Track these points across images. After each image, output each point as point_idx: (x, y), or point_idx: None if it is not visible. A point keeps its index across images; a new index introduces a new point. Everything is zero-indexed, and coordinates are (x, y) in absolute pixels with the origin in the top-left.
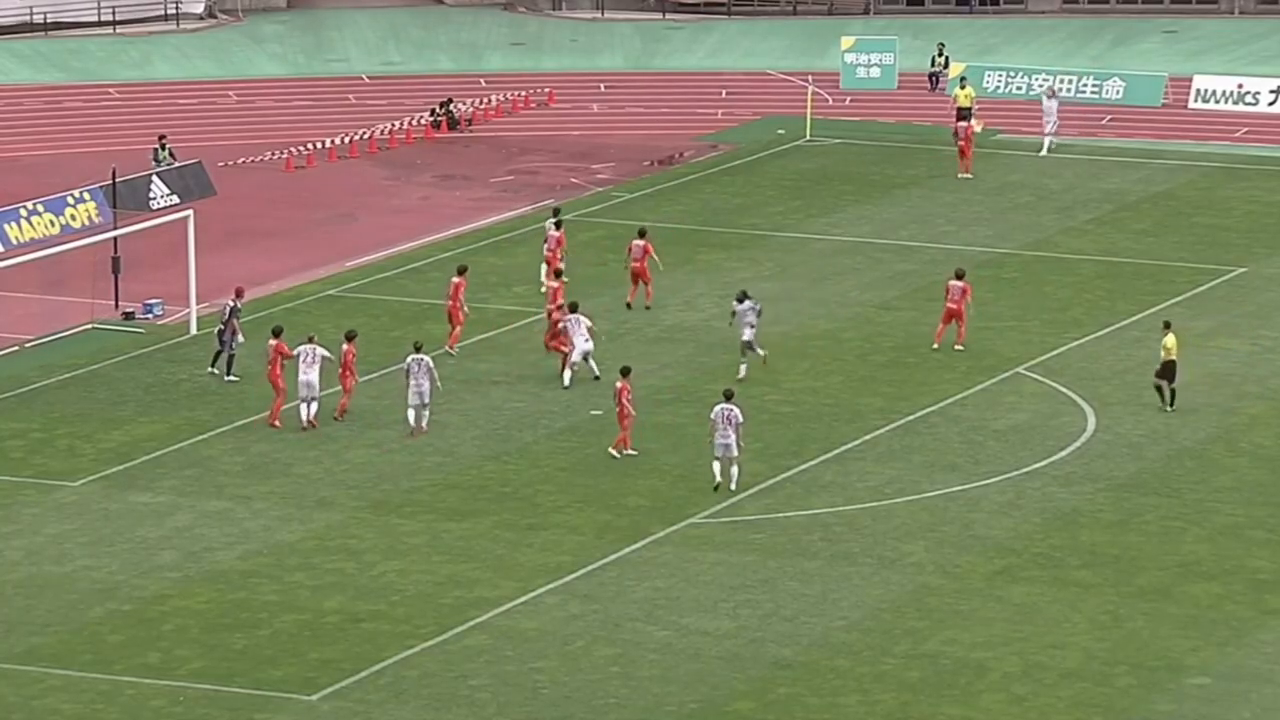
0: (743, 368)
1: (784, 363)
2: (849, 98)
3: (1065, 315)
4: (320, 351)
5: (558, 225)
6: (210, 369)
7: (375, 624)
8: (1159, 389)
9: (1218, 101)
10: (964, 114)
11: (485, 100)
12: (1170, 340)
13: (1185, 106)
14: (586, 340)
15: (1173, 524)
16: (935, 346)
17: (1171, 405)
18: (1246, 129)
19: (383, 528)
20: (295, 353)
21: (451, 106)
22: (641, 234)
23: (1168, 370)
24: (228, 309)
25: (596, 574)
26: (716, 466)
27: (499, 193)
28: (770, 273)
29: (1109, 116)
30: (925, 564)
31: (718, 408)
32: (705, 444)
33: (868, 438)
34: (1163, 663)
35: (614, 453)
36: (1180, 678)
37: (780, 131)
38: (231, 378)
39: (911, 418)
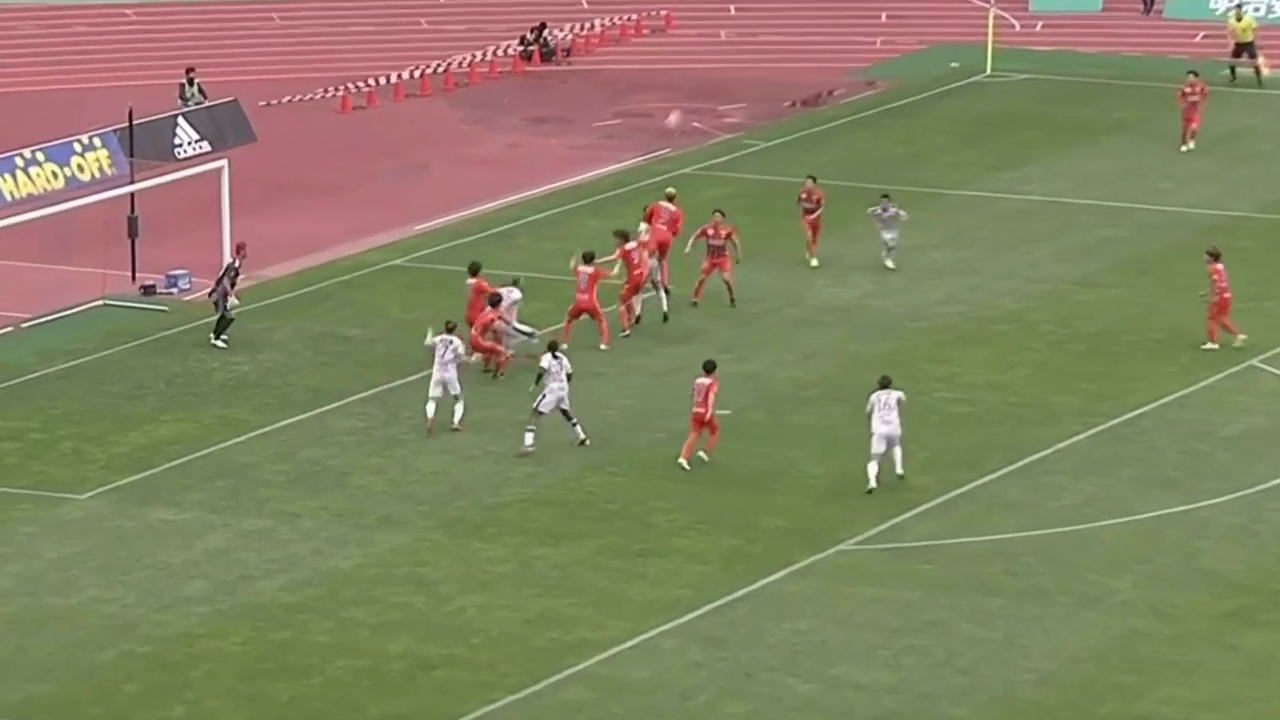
0: None
1: (959, 352)
2: (1040, 22)
3: None
4: (457, 345)
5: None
6: (213, 340)
7: (450, 671)
8: None
9: None
10: (1244, 50)
11: (587, 25)
12: None
13: None
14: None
15: None
16: (1209, 346)
17: None
18: None
19: (460, 553)
20: (431, 343)
21: (546, 33)
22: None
23: None
24: (224, 267)
25: (724, 612)
26: (873, 468)
27: (603, 139)
28: (941, 240)
29: None
30: (1136, 603)
31: (875, 394)
32: (864, 435)
33: (1063, 445)
34: None
35: (684, 462)
36: None
37: (954, 65)
38: (217, 342)
39: (1118, 421)
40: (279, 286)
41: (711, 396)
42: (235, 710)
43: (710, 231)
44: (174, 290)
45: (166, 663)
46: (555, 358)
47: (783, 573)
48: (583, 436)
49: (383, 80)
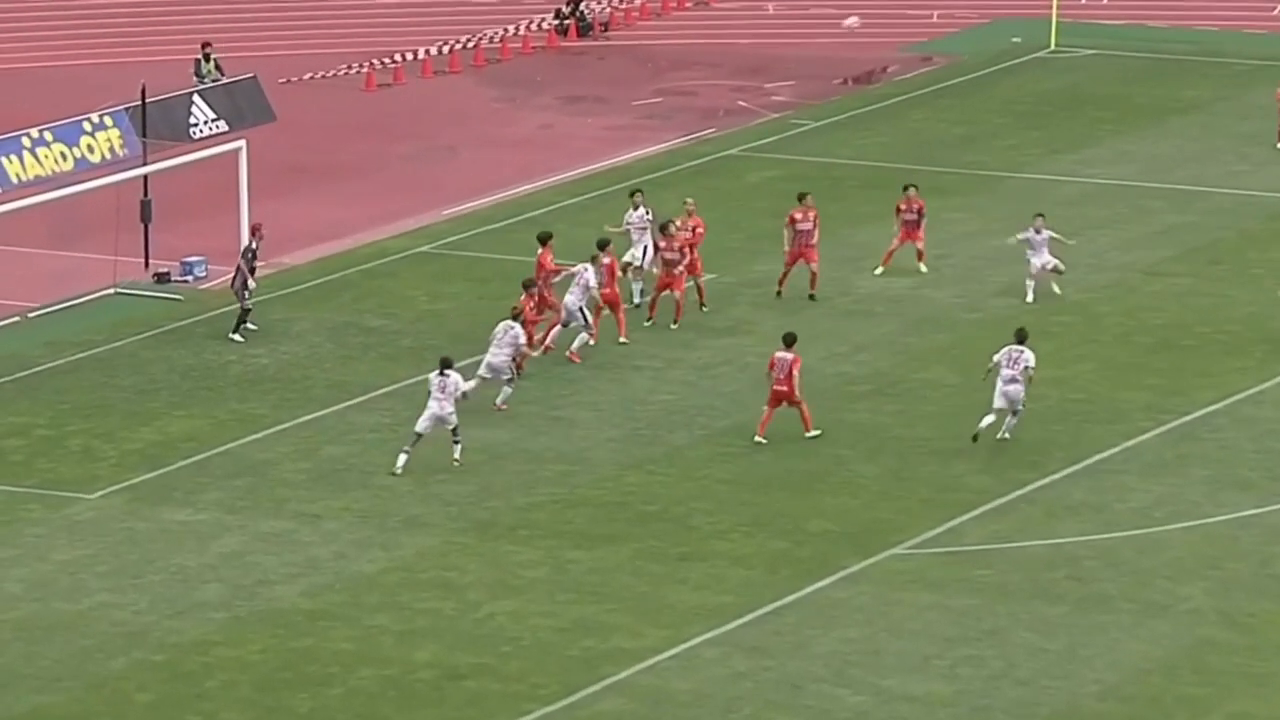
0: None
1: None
2: None
3: None
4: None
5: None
6: (231, 334)
7: (480, 682)
8: None
9: None
10: None
11: None
12: None
13: None
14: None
15: None
16: None
17: None
18: None
19: (490, 556)
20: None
21: (583, 7)
22: (800, 198)
23: None
24: (241, 251)
25: (769, 620)
26: (987, 420)
27: (643, 119)
28: (1000, 226)
29: None
30: (1207, 611)
31: (1004, 349)
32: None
33: (1130, 444)
34: None
35: (760, 438)
36: None
37: (1015, 39)
38: (235, 336)
39: (1189, 418)
40: (299, 275)
41: (797, 372)
42: None
43: (799, 216)
44: (189, 278)
45: (181, 672)
46: (442, 375)
47: (832, 578)
48: (457, 457)
49: (409, 56)
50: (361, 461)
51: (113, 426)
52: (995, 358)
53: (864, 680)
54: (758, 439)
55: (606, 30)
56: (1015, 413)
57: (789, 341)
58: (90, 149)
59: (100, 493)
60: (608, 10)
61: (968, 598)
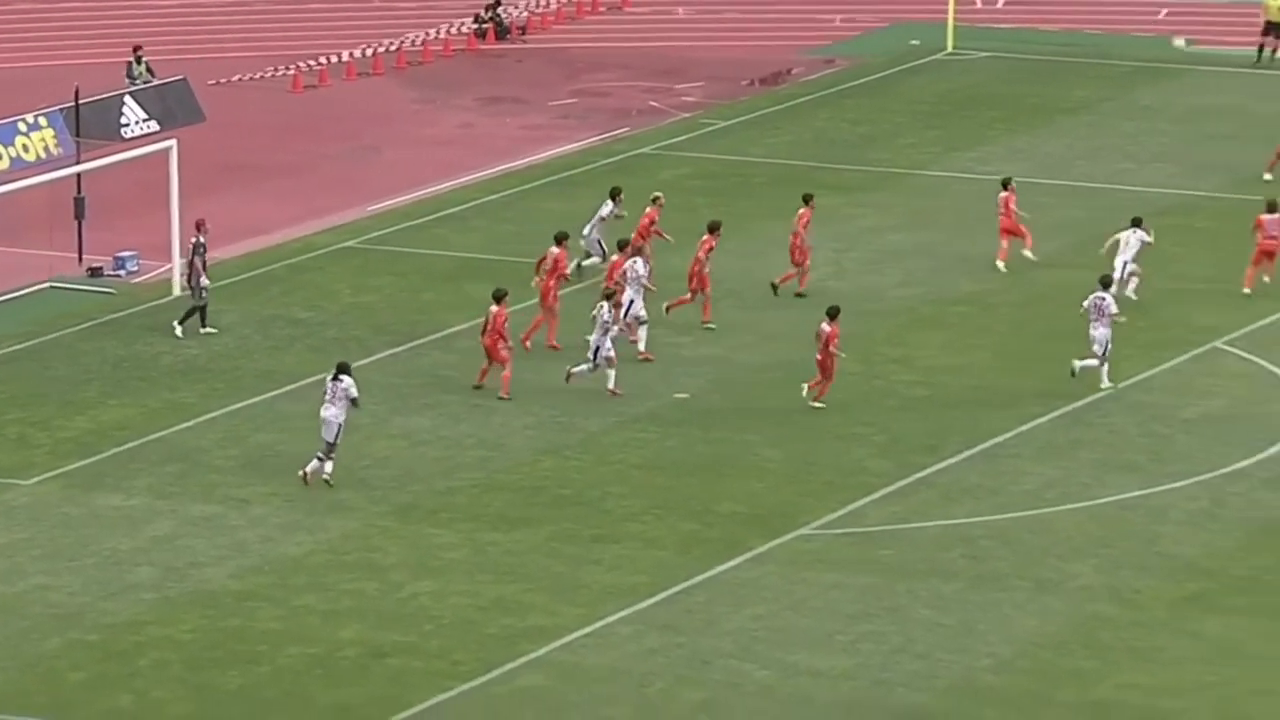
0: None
1: (917, 335)
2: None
3: (1277, 275)
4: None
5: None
6: (176, 325)
7: (403, 659)
8: None
9: None
10: (1274, 30)
11: (542, 3)
12: None
13: None
14: None
15: None
16: (1246, 291)
17: None
18: None
19: (412, 539)
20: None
21: (500, 11)
22: (806, 200)
23: None
24: (191, 246)
25: (680, 598)
26: (1078, 363)
27: (559, 119)
28: (900, 221)
29: None
30: (1096, 588)
31: (1092, 296)
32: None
33: (1024, 429)
34: None
35: (818, 404)
36: None
37: (914, 42)
38: (178, 328)
39: (1079, 404)
40: (229, 269)
41: (833, 345)
42: (183, 699)
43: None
44: (122, 273)
45: (113, 651)
46: (335, 380)
47: (740, 559)
48: (327, 477)
49: (334, 59)
50: (289, 449)
51: (48, 415)
52: (1084, 304)
53: (770, 655)
54: (816, 404)
55: (524, 34)
56: (1097, 349)
57: (832, 314)
58: (25, 148)
59: (36, 479)
60: (525, 14)
61: (868, 576)
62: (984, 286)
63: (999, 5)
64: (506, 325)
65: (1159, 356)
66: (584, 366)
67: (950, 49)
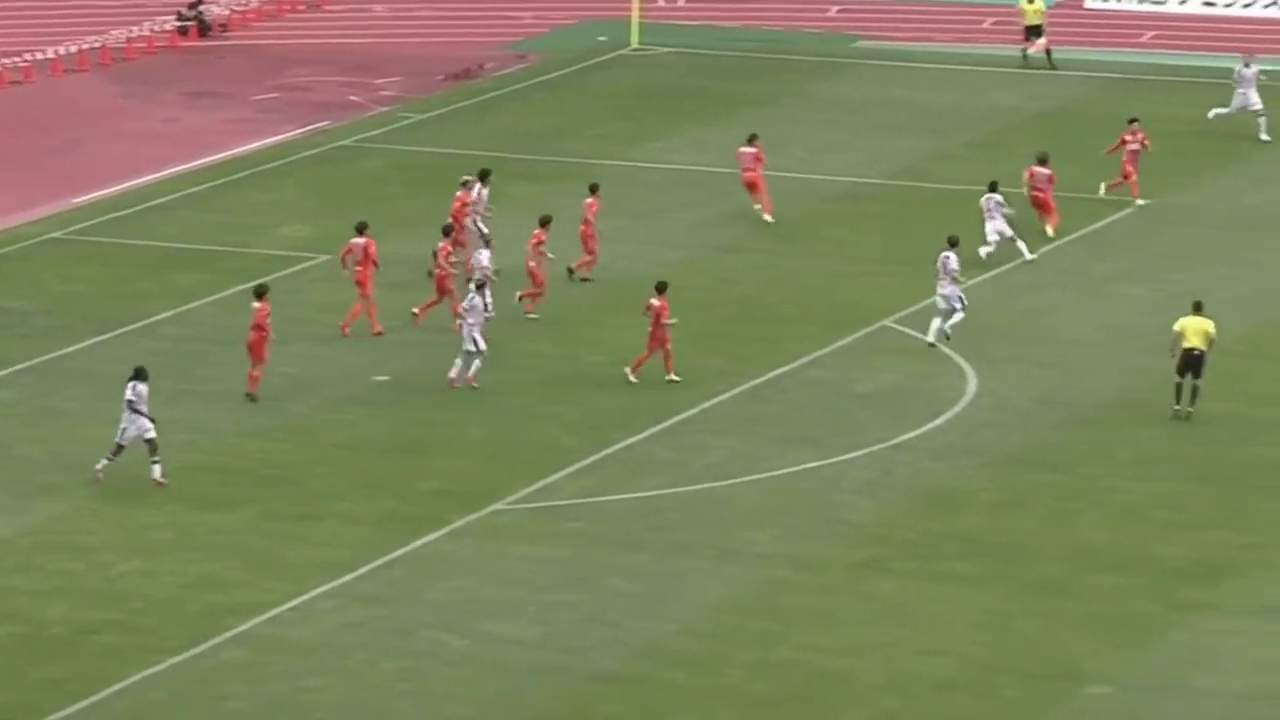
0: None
1: (607, 317)
2: None
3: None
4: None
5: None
6: None
7: (111, 636)
8: (1178, 387)
9: (1120, 0)
10: (1033, 32)
11: (244, 1)
12: (1193, 324)
13: (1082, 6)
14: None
15: (1067, 505)
16: (1051, 232)
17: (1191, 404)
18: (1154, 33)
19: (120, 520)
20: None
21: (203, 9)
22: (593, 190)
23: (1191, 363)
24: None
25: (381, 573)
26: (935, 324)
27: (262, 113)
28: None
29: (991, 19)
30: (775, 556)
31: (941, 255)
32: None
33: (707, 405)
34: (1056, 669)
35: (673, 376)
36: (1076, 687)
37: (601, 39)
38: None
39: (759, 381)
40: None
41: (664, 318)
42: None
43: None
44: None
45: None
46: (137, 384)
47: (438, 534)
48: (159, 477)
49: (39, 56)
50: None
51: None
52: (937, 263)
53: (469, 625)
54: (672, 376)
55: (226, 30)
56: (954, 310)
57: (660, 289)
58: None
59: None
60: (227, 12)
61: (561, 548)
62: (671, 271)
63: (680, 3)
64: (269, 320)
65: (833, 335)
66: (460, 364)
67: (635, 45)
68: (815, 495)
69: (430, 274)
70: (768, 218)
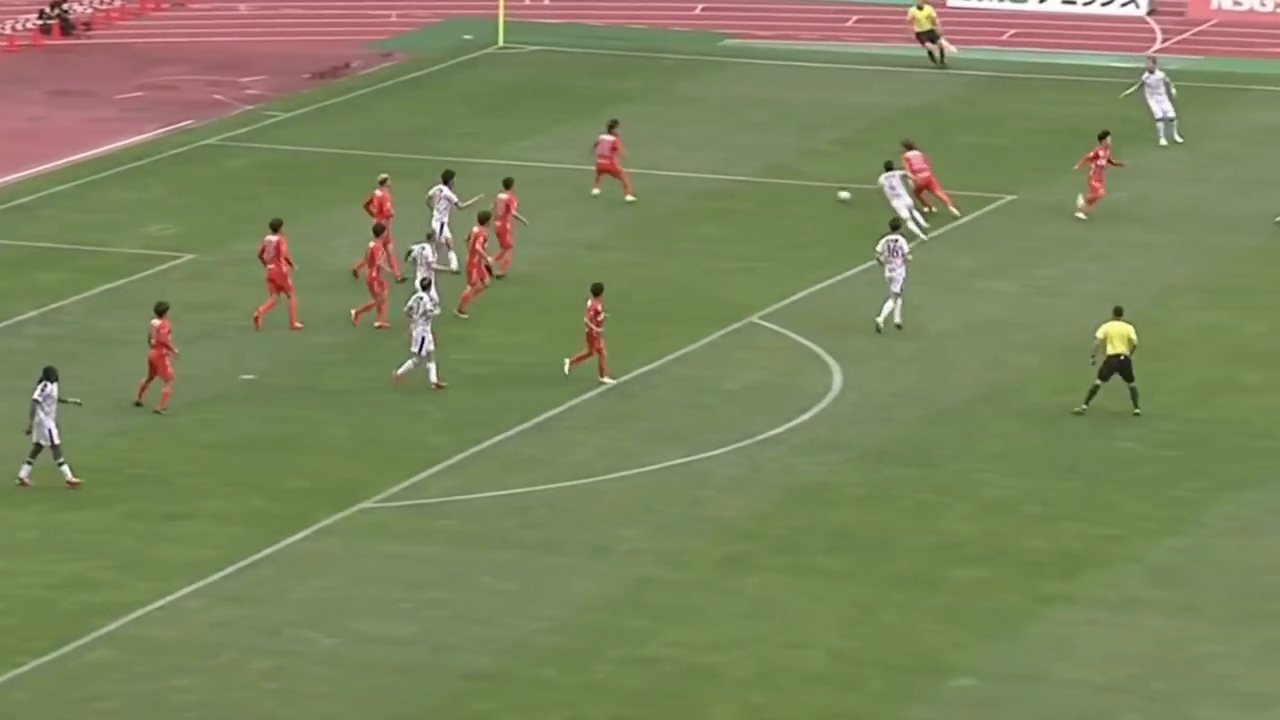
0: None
1: (475, 314)
2: None
3: (807, 254)
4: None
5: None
6: None
7: None
8: (1094, 388)
9: None
10: (926, 37)
11: (106, 0)
12: (1116, 329)
13: (944, 4)
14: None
15: (932, 499)
16: (955, 210)
17: (1135, 407)
18: (1015, 30)
19: None
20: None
21: (66, 7)
22: (507, 185)
23: (1117, 368)
24: None
25: (249, 572)
26: (887, 307)
27: (126, 112)
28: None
29: (856, 17)
30: (643, 552)
31: (884, 239)
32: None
33: (575, 403)
34: (920, 662)
35: (607, 379)
36: (941, 679)
37: (467, 37)
38: None
39: (626, 378)
40: None
41: (599, 318)
42: None
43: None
44: None
45: None
46: (47, 386)
47: (306, 532)
48: (71, 477)
49: None
50: None
51: None
52: (879, 248)
53: (337, 624)
54: (605, 379)
55: (89, 29)
56: (898, 296)
57: (596, 291)
58: None
59: None
60: (90, 10)
61: (430, 546)
62: (539, 269)
63: (545, 1)
64: (170, 336)
65: (700, 332)
66: (410, 364)
67: (501, 44)
68: (683, 491)
69: (355, 274)
70: (630, 197)
